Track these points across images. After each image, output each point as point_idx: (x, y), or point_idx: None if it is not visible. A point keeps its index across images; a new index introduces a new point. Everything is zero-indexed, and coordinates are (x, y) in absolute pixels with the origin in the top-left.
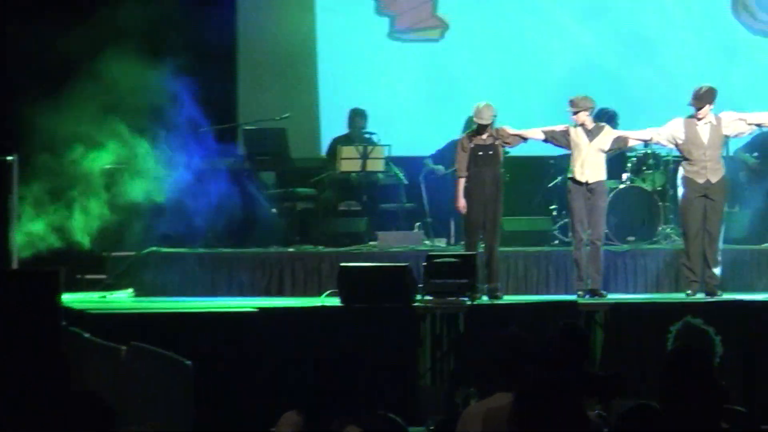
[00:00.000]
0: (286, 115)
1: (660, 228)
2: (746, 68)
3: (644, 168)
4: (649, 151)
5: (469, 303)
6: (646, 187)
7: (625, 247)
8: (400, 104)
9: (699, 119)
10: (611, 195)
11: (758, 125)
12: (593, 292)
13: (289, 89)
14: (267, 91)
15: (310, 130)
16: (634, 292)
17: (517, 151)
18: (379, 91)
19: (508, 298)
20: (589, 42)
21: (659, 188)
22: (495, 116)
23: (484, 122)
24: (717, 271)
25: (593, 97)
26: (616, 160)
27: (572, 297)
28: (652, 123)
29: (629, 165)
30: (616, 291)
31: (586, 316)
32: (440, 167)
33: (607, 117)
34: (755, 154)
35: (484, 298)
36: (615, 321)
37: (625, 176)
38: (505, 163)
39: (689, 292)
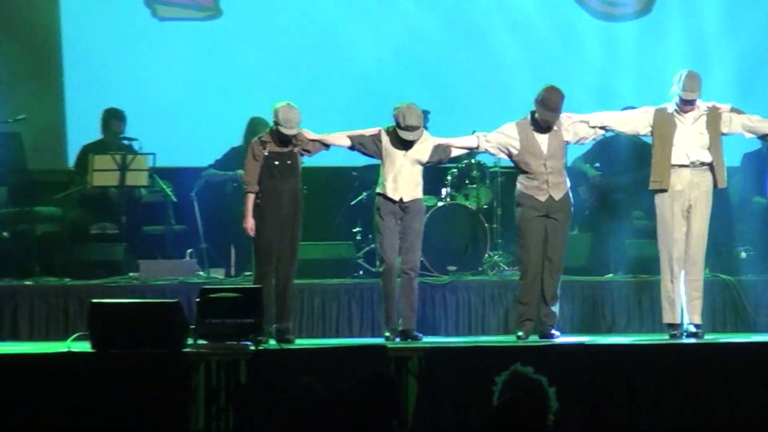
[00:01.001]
0: (21, 116)
1: (486, 255)
2: (588, 57)
3: (467, 182)
4: (473, 162)
5: (252, 348)
6: (469, 205)
7: (445, 278)
8: (167, 104)
9: (537, 123)
10: (428, 215)
11: (603, 128)
12: (405, 334)
13: (25, 85)
14: None
15: (54, 135)
16: (455, 334)
17: (312, 160)
18: (141, 88)
19: (302, 342)
20: (401, 28)
21: (485, 206)
22: (300, 121)
23: (290, 132)
24: (555, 308)
25: (405, 94)
26: (434, 172)
27: (380, 340)
28: (478, 125)
29: (449, 178)
30: (434, 332)
31: (396, 364)
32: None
33: None
34: (597, 164)
35: (272, 342)
36: (431, 369)
37: (444, 192)
38: (301, 174)
39: (521, 333)
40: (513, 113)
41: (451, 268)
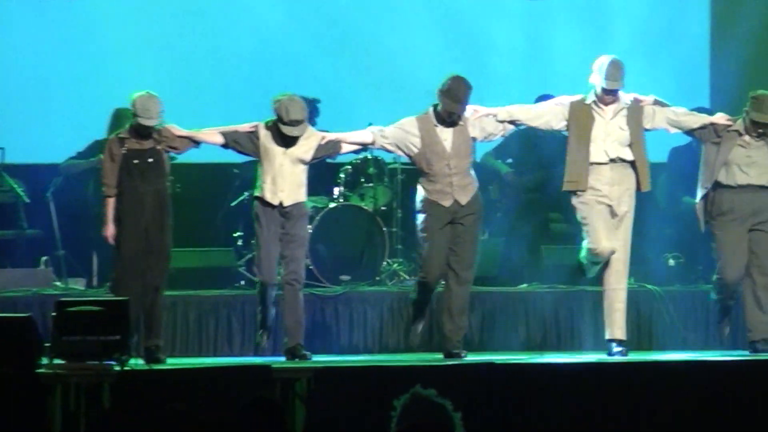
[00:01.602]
0: None
1: (384, 263)
2: (504, 39)
3: (363, 180)
4: (369, 157)
5: (117, 369)
6: (365, 206)
7: (338, 289)
8: (17, 92)
9: (440, 118)
10: (318, 217)
11: (512, 123)
12: (292, 352)
13: None
14: None
15: None
16: (349, 353)
17: (188, 156)
18: None
19: (174, 362)
20: (278, 19)
21: (383, 208)
22: (163, 112)
23: (149, 122)
24: (462, 323)
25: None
26: (325, 169)
27: (264, 359)
28: (375, 117)
29: (343, 176)
30: (325, 351)
31: (282, 386)
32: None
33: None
34: (509, 160)
35: (140, 362)
36: (321, 392)
37: (337, 191)
38: (174, 171)
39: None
40: (413, 104)
41: (345, 277)
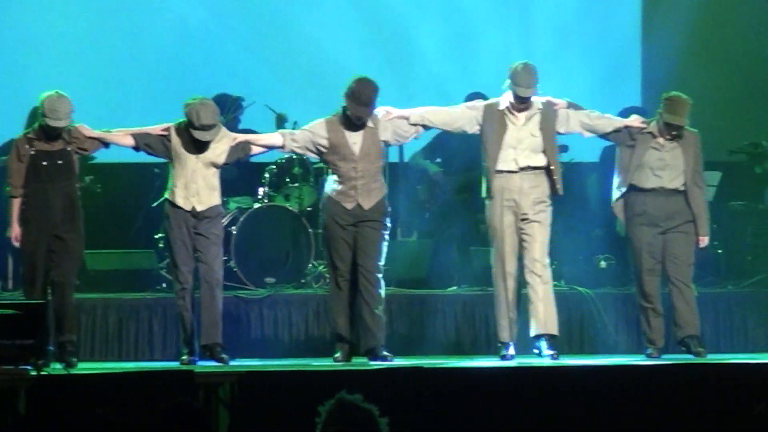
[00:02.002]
0: None
1: (310, 265)
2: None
3: (288, 180)
4: (294, 157)
5: (34, 373)
6: (290, 206)
7: (262, 292)
8: None
9: (349, 120)
10: (242, 218)
11: (425, 126)
12: (209, 351)
13: None
14: None
15: None
16: (274, 357)
17: (108, 155)
18: None
19: (94, 366)
20: (200, 16)
21: (308, 208)
22: (73, 112)
23: (56, 123)
24: (381, 325)
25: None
26: (250, 168)
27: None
28: (299, 116)
29: (267, 176)
30: (249, 355)
31: (205, 391)
32: None
33: (230, 110)
34: (438, 159)
35: (58, 366)
36: (245, 397)
37: (261, 192)
38: (94, 170)
39: (337, 355)
40: (339, 101)
41: (270, 280)
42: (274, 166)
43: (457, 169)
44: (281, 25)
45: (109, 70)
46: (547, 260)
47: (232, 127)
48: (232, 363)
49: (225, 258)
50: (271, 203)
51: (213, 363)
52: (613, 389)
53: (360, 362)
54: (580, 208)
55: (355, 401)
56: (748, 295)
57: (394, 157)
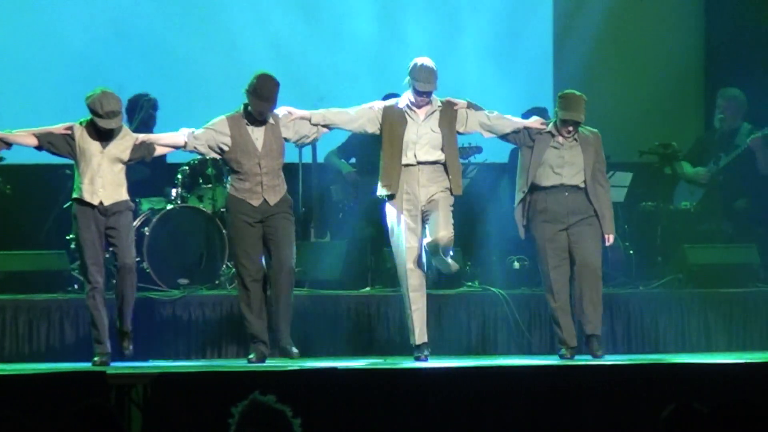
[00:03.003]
0: None
1: (224, 266)
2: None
3: (201, 181)
4: (207, 158)
5: None
6: (204, 207)
7: (175, 293)
8: None
9: (251, 117)
10: (156, 219)
11: (326, 126)
12: (123, 333)
13: None
14: None
15: None
16: (187, 358)
17: (18, 156)
18: None
19: (3, 367)
20: (110, 12)
21: (222, 210)
22: None
23: None
24: (285, 325)
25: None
26: (162, 169)
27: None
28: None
29: (180, 177)
30: (162, 356)
31: (117, 393)
32: None
33: (143, 108)
34: (353, 159)
35: None
36: (158, 398)
37: (174, 193)
38: (4, 172)
39: (251, 357)
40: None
41: (183, 281)
42: (187, 167)
43: (371, 170)
44: (192, 25)
45: (18, 69)
46: (452, 231)
47: (149, 127)
48: (144, 364)
49: (138, 259)
50: (185, 204)
51: (124, 364)
52: (524, 391)
53: (273, 363)
54: (493, 209)
55: (268, 402)
56: (659, 296)
57: (307, 157)
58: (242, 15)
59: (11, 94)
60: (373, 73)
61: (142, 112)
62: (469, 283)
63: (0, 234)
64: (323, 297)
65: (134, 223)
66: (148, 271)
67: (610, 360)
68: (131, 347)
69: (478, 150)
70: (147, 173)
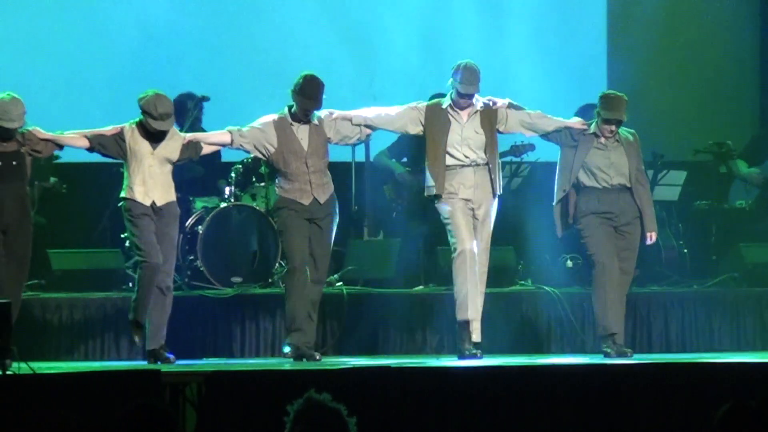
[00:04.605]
0: None
1: (277, 265)
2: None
3: (254, 180)
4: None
5: None
6: (257, 206)
7: (229, 291)
8: None
9: (296, 117)
10: (209, 218)
11: (368, 126)
12: (154, 355)
13: None
14: None
15: None
16: (241, 357)
17: (72, 155)
18: None
19: (59, 366)
20: (163, 15)
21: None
22: (24, 114)
23: (9, 125)
24: (315, 318)
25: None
26: (215, 168)
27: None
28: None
29: (234, 175)
30: (216, 355)
31: (171, 391)
32: None
33: (195, 109)
34: (404, 158)
35: (23, 366)
36: (213, 397)
37: (228, 191)
38: (60, 171)
39: (287, 351)
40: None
41: (236, 279)
42: (241, 166)
43: (422, 168)
44: (244, 23)
45: (72, 70)
46: (488, 252)
47: (194, 128)
48: (198, 362)
49: (191, 257)
50: (238, 203)
51: (179, 362)
52: (577, 389)
53: (329, 362)
54: (545, 207)
55: (323, 400)
56: (714, 295)
57: (360, 156)
58: (294, 14)
59: (66, 94)
60: (423, 71)
61: (194, 113)
62: (522, 282)
63: (56, 233)
64: (376, 295)
65: (188, 222)
66: (201, 269)
67: (664, 358)
68: (170, 355)
69: (531, 148)
70: (201, 172)
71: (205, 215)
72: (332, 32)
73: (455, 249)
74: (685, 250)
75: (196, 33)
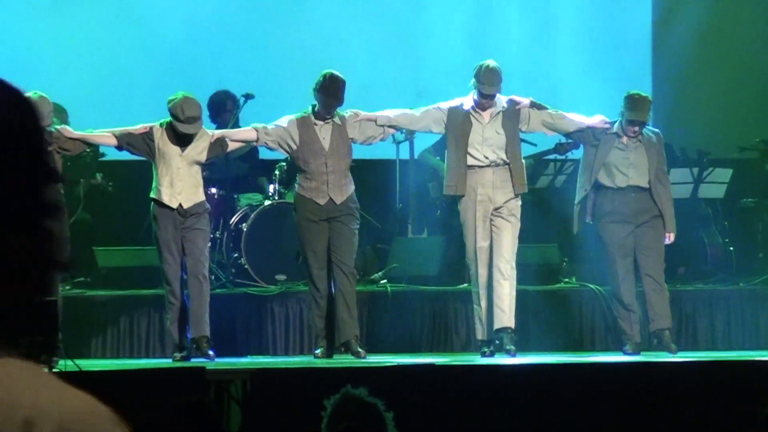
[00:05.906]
0: None
1: None
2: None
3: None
4: None
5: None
6: None
7: (273, 289)
8: None
9: (318, 116)
10: (253, 215)
11: (392, 127)
12: (197, 344)
13: None
14: None
15: None
16: (285, 354)
17: (118, 153)
18: None
19: (104, 363)
20: (205, 12)
21: None
22: (51, 113)
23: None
24: (353, 319)
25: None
26: (260, 165)
27: (199, 361)
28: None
29: (277, 173)
30: (261, 352)
31: (216, 389)
32: None
33: (235, 108)
34: None
35: (69, 363)
36: (257, 394)
37: (272, 189)
38: (105, 168)
39: (318, 352)
40: (348, 99)
41: (281, 277)
42: (284, 163)
43: None
44: (287, 21)
45: (114, 66)
46: (514, 260)
47: (234, 126)
48: (243, 360)
49: (236, 255)
50: (282, 200)
51: (223, 360)
52: (621, 387)
53: (373, 359)
54: None
55: (360, 395)
56: (760, 292)
57: (404, 154)
58: (338, 11)
59: (110, 90)
60: (468, 68)
61: (235, 113)
62: (566, 280)
63: (102, 230)
64: (421, 293)
65: (232, 220)
66: (245, 267)
67: (710, 356)
68: (212, 351)
69: (576, 146)
70: (245, 169)
71: (249, 213)
72: (376, 30)
73: (467, 249)
74: (731, 248)
75: (239, 30)
